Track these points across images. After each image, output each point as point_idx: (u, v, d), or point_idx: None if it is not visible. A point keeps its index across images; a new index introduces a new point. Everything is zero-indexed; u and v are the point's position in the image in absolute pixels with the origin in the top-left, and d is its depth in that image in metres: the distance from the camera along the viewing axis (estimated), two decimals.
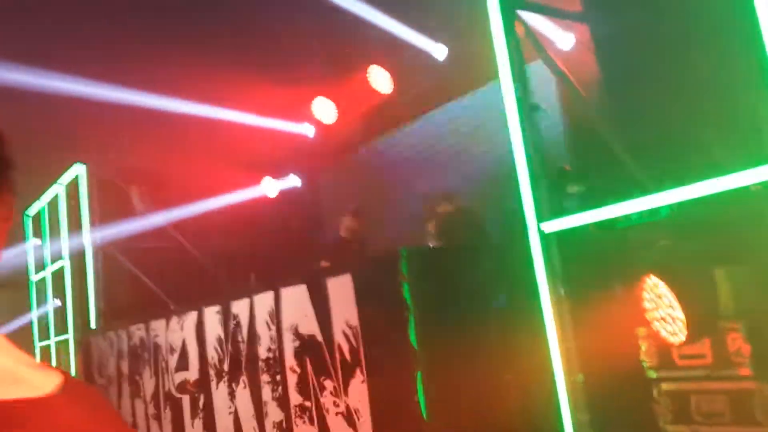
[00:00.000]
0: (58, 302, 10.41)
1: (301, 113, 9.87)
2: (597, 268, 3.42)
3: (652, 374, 3.00)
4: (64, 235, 10.00)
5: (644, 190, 3.19)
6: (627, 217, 3.17)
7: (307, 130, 10.09)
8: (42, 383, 0.69)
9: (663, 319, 2.90)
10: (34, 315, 11.57)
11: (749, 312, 2.75)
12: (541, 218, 3.59)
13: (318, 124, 9.91)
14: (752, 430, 2.72)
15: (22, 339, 11.68)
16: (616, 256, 3.34)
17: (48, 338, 10.61)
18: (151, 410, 7.00)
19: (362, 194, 9.34)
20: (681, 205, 2.94)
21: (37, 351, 11.11)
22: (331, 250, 6.71)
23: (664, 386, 2.95)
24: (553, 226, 3.56)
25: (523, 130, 3.80)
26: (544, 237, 3.56)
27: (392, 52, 8.38)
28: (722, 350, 2.78)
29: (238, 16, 8.43)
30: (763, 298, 2.80)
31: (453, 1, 7.41)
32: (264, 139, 9.64)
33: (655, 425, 2.96)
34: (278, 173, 10.67)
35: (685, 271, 2.91)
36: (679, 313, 2.85)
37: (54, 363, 10.22)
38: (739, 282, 2.80)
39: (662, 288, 2.93)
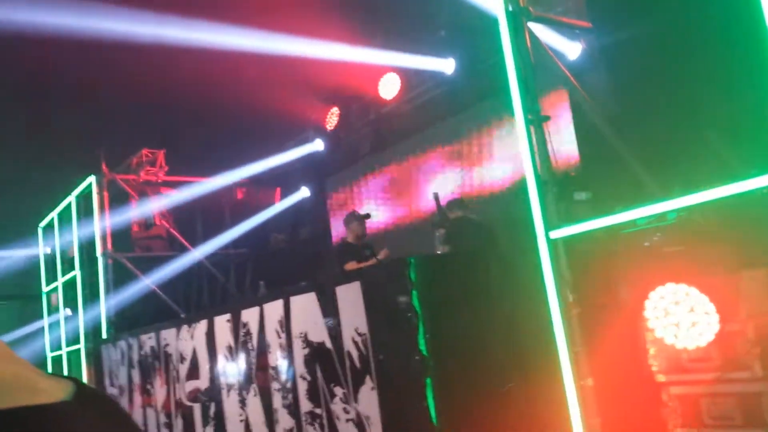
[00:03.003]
0: (68, 312, 10.48)
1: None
2: (605, 273, 3.44)
3: (661, 378, 3.01)
4: (76, 246, 10.08)
5: (652, 196, 3.21)
6: (633, 223, 3.19)
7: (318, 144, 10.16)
8: (54, 390, 0.68)
9: (677, 324, 2.91)
10: (45, 325, 11.64)
11: (757, 315, 2.76)
12: (549, 225, 3.62)
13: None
14: None
15: (33, 349, 11.76)
16: (625, 262, 3.36)
17: (60, 348, 10.67)
18: (163, 419, 7.03)
19: (371, 201, 9.40)
20: (689, 210, 2.96)
21: (49, 361, 11.17)
22: (339, 257, 6.71)
23: (674, 390, 2.96)
24: (561, 233, 3.59)
25: (530, 139, 3.84)
26: (552, 244, 3.59)
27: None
28: (731, 353, 2.79)
29: None
30: None
31: (461, 16, 7.47)
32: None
33: (665, 429, 2.96)
34: (289, 186, 10.75)
35: (697, 276, 2.93)
36: (699, 318, 2.86)
37: (66, 373, 10.27)
38: (746, 285, 2.82)
39: (680, 294, 2.94)
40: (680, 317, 2.93)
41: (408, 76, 8.72)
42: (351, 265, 5.86)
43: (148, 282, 9.34)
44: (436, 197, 6.35)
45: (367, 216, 6.99)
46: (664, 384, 2.99)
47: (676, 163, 3.74)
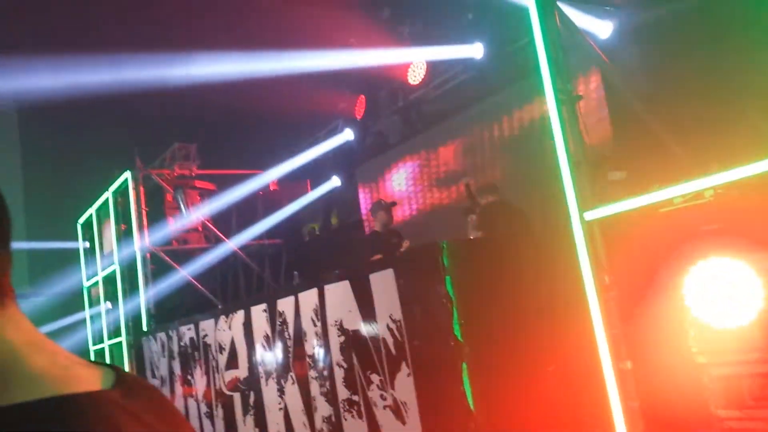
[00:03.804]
0: (109, 305, 10.72)
1: None
2: (643, 254, 3.38)
3: (702, 359, 2.96)
4: (114, 241, 10.29)
5: (688, 174, 3.14)
6: (670, 201, 3.13)
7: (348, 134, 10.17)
8: (92, 379, 0.70)
9: (716, 301, 2.85)
10: (87, 319, 11.93)
11: None
12: (583, 206, 3.57)
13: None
14: None
15: (77, 341, 12.07)
16: (662, 241, 3.30)
17: (102, 342, 10.93)
18: (204, 408, 7.16)
19: (402, 188, 9.39)
20: (727, 187, 2.89)
21: (92, 354, 11.45)
22: (369, 246, 6.74)
23: (715, 371, 2.91)
24: (595, 213, 3.54)
25: (562, 119, 3.78)
26: (587, 225, 3.54)
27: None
28: None
29: None
30: None
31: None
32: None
33: (707, 411, 2.91)
34: (320, 176, 10.79)
35: (742, 251, 2.86)
36: (742, 294, 2.79)
37: None
38: None
39: (723, 268, 2.87)
40: (721, 293, 2.87)
41: (435, 61, 8.66)
42: (376, 258, 5.90)
43: (185, 274, 9.49)
44: (467, 186, 6.33)
45: (393, 204, 7.02)
46: (705, 365, 2.94)
47: (712, 139, 3.66)
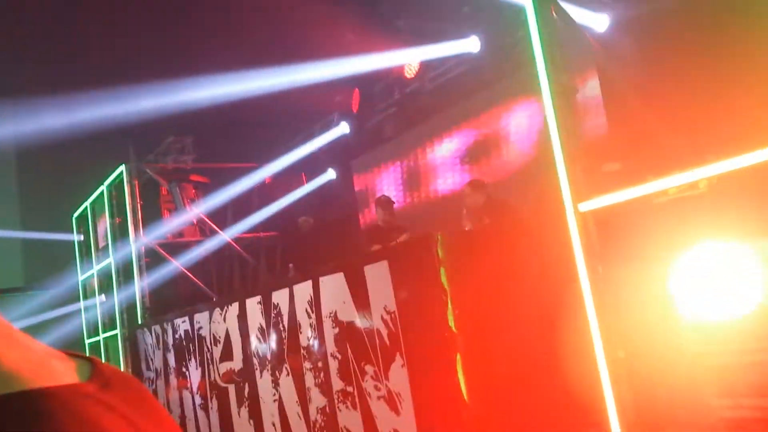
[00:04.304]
0: (103, 298, 10.71)
1: None
2: (637, 245, 3.39)
3: (695, 348, 2.97)
4: (109, 234, 10.27)
5: (683, 165, 3.15)
6: (665, 193, 3.13)
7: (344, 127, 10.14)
8: (73, 371, 0.68)
9: (708, 289, 2.86)
10: (82, 313, 11.92)
11: None
12: (577, 198, 3.57)
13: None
14: None
15: (72, 336, 12.06)
16: (656, 232, 3.30)
17: (97, 335, 10.92)
18: (199, 400, 7.16)
19: (397, 181, 9.39)
20: (722, 178, 2.90)
21: (87, 347, 11.45)
22: (367, 238, 6.76)
23: (708, 360, 2.92)
24: (589, 205, 3.54)
25: (557, 111, 3.78)
26: (581, 216, 3.55)
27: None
28: (766, 321, 2.73)
29: None
30: None
31: None
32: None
33: (700, 400, 2.92)
34: (316, 169, 10.77)
35: (727, 243, 2.87)
36: (739, 282, 2.80)
37: (103, 358, 10.52)
38: None
39: (718, 254, 2.87)
40: (715, 280, 2.88)
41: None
42: (375, 249, 5.92)
43: (180, 267, 9.48)
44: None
45: (389, 200, 7.06)
46: (699, 354, 2.95)
47: (706, 130, 3.66)
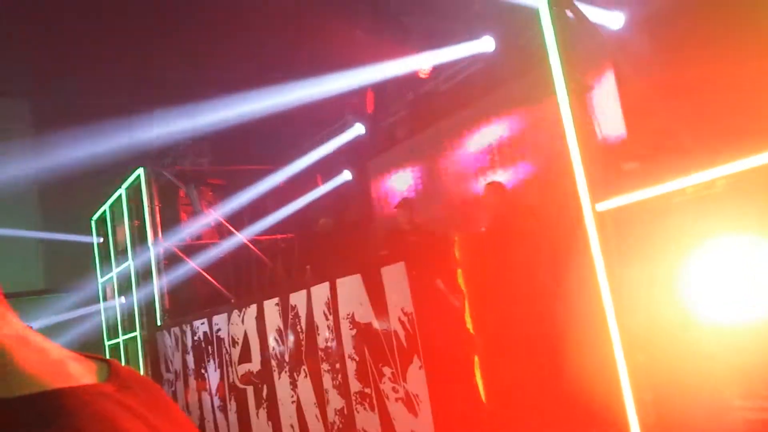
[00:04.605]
0: (123, 301, 10.81)
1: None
2: (656, 245, 3.36)
3: (716, 349, 2.94)
4: (128, 237, 10.37)
5: (701, 164, 3.12)
6: (683, 192, 3.10)
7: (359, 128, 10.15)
8: (90, 372, 0.69)
9: (728, 289, 2.84)
10: (102, 315, 12.04)
11: None
12: (595, 198, 3.55)
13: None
14: None
15: (92, 338, 12.19)
16: (674, 232, 3.27)
17: (117, 337, 11.03)
18: (217, 402, 7.21)
19: (415, 183, 9.38)
20: (739, 178, 2.87)
21: (107, 349, 11.56)
22: (387, 240, 6.77)
23: (729, 361, 2.89)
24: (607, 205, 3.52)
25: (573, 110, 3.76)
26: (599, 216, 3.52)
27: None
28: None
29: None
30: None
31: None
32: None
33: (721, 401, 2.90)
34: (331, 170, 10.79)
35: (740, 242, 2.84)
36: (753, 281, 2.77)
37: (123, 361, 10.62)
38: None
39: (734, 251, 2.85)
40: (736, 279, 2.85)
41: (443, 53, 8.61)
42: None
43: (198, 269, 9.55)
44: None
45: (405, 202, 7.05)
46: (719, 355, 2.92)
47: (724, 129, 3.62)
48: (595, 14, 6.16)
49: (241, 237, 9.94)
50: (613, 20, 6.48)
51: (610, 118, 5.95)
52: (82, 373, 0.69)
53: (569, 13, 3.93)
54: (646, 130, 4.96)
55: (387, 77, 8.91)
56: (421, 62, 8.72)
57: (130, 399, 0.68)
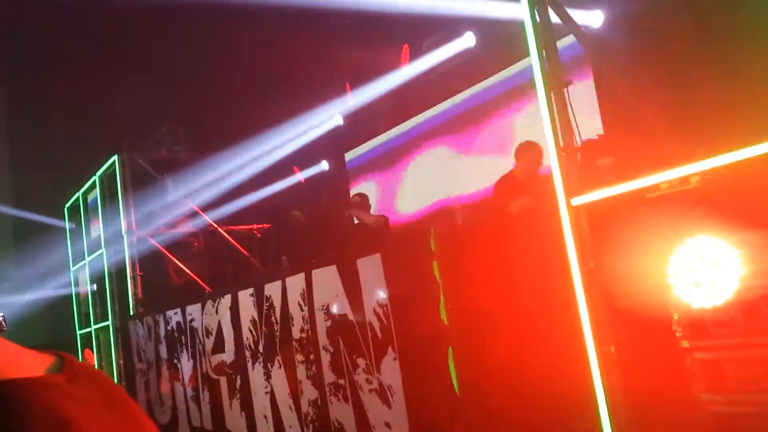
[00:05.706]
0: (95, 288, 10.67)
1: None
2: (629, 239, 3.40)
3: (685, 344, 2.98)
4: (101, 225, 10.23)
5: (675, 160, 3.15)
6: (657, 187, 3.14)
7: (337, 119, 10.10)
8: (42, 365, 0.70)
9: (698, 282, 2.87)
10: (74, 305, 11.87)
11: None
12: (570, 192, 3.57)
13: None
14: None
15: (63, 327, 12.01)
16: (647, 227, 3.31)
17: (89, 326, 10.88)
18: (190, 392, 7.16)
19: (390, 174, 9.38)
20: (714, 173, 2.90)
21: (78, 339, 11.41)
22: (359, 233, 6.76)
23: (698, 355, 2.93)
24: (582, 199, 3.54)
25: (551, 104, 3.78)
26: (573, 210, 3.55)
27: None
28: (756, 316, 2.75)
29: None
30: None
31: None
32: None
33: (690, 395, 2.94)
34: (308, 160, 10.74)
35: (717, 236, 2.87)
36: (723, 274, 2.81)
37: (95, 349, 10.50)
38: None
39: (708, 247, 2.88)
40: (705, 274, 2.88)
41: (424, 41, 8.60)
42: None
43: (172, 258, 9.45)
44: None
45: (360, 197, 7.08)
46: (688, 350, 2.96)
47: (699, 126, 3.67)
48: (574, 11, 6.19)
49: (216, 227, 9.85)
50: (591, 19, 6.53)
51: (587, 113, 5.99)
52: (33, 365, 0.69)
53: (549, 8, 3.94)
54: (622, 127, 5.00)
55: (367, 66, 8.88)
56: (402, 54, 8.70)
57: (80, 390, 0.68)
